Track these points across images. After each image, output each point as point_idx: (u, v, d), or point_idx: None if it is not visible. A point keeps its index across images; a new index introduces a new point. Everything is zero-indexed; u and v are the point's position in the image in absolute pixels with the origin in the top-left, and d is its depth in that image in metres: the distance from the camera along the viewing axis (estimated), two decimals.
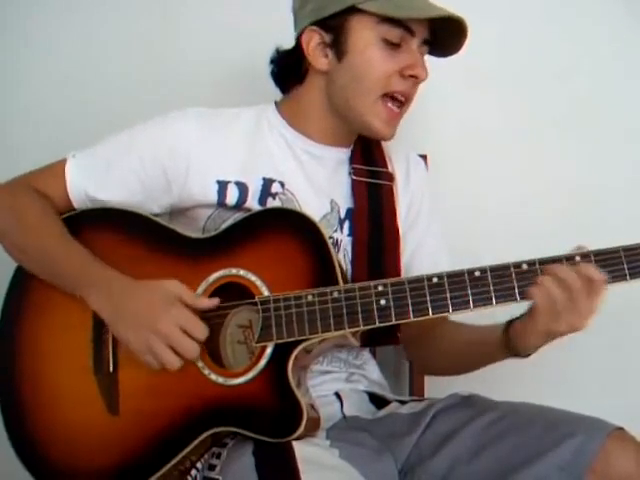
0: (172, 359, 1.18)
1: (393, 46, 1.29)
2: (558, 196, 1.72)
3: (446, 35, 1.31)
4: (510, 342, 1.21)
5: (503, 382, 1.62)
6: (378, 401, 1.41)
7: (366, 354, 1.46)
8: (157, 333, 1.18)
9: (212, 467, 1.20)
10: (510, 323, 1.22)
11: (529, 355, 1.22)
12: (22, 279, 1.33)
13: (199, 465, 1.23)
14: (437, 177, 1.60)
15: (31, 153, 1.66)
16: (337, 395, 1.38)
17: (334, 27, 1.31)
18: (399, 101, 1.33)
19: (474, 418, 1.25)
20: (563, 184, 1.72)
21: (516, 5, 1.72)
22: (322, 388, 1.36)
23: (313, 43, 1.33)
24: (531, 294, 1.14)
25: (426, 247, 1.44)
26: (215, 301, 1.22)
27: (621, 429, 1.17)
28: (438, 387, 1.49)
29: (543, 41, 1.72)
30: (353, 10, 1.28)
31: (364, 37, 1.29)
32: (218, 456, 1.21)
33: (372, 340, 1.33)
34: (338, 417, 1.35)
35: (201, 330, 1.19)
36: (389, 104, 1.32)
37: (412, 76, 1.31)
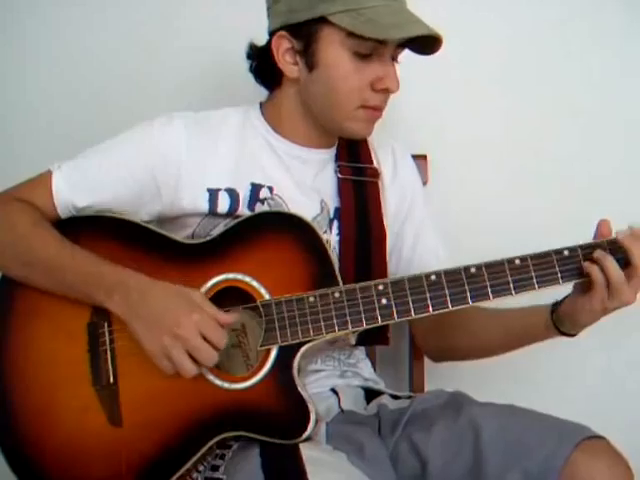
0: (189, 366, 1.15)
1: (364, 57, 1.26)
2: (557, 197, 1.74)
3: (423, 37, 1.25)
4: (560, 322, 1.24)
5: (498, 381, 1.63)
6: (371, 397, 1.42)
7: (359, 353, 1.46)
8: (177, 337, 1.14)
9: (215, 468, 1.20)
10: (557, 304, 1.24)
11: (575, 335, 1.25)
12: (6, 289, 1.28)
13: (201, 468, 1.21)
14: (437, 177, 1.62)
15: (32, 152, 1.67)
16: (333, 391, 1.38)
17: (304, 35, 1.27)
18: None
19: (449, 423, 1.23)
20: (563, 185, 1.74)
21: (519, 8, 1.72)
22: (317, 384, 1.37)
23: (282, 49, 1.30)
24: (588, 271, 1.16)
25: (425, 241, 1.45)
26: (236, 317, 1.20)
27: (596, 437, 1.15)
28: (438, 384, 1.48)
29: (543, 45, 1.73)
30: (324, 20, 1.25)
31: (334, 50, 1.26)
32: (222, 457, 1.21)
33: (364, 340, 1.34)
34: (336, 411, 1.35)
35: (221, 338, 1.17)
36: (368, 109, 1.30)
37: (383, 89, 1.28)
